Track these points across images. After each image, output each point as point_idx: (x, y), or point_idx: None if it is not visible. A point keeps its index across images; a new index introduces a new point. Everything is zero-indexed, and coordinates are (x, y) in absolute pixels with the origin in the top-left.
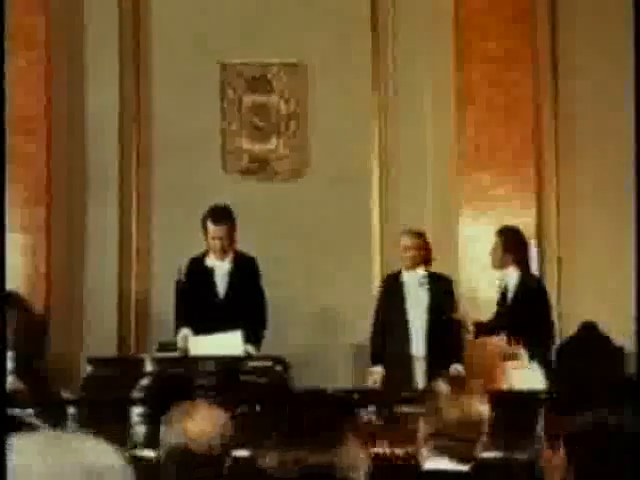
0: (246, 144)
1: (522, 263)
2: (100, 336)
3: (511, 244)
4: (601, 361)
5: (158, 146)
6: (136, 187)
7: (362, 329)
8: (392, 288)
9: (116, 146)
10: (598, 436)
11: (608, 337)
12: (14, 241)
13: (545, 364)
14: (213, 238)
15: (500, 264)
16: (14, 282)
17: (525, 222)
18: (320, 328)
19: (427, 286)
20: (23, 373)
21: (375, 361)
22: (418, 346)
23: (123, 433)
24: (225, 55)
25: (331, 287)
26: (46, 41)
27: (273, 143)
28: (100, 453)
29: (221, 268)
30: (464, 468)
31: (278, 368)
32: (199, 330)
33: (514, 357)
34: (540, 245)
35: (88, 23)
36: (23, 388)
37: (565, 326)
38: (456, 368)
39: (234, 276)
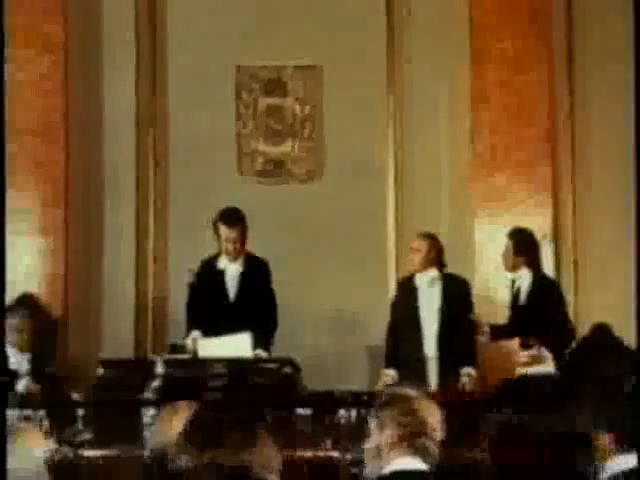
0: (261, 146)
1: (534, 265)
2: (117, 338)
3: (522, 246)
4: (612, 363)
5: (174, 149)
6: (153, 189)
7: (377, 330)
8: (405, 290)
9: (133, 149)
10: (513, 436)
11: (619, 339)
12: (33, 243)
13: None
14: (226, 240)
15: (512, 267)
16: (32, 284)
17: (541, 223)
18: (335, 330)
19: (439, 287)
20: (38, 375)
21: (389, 363)
22: (430, 347)
23: (134, 434)
24: (240, 58)
25: (346, 288)
26: (64, 47)
27: (288, 145)
28: (20, 458)
29: (232, 270)
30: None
31: (288, 370)
32: (210, 332)
33: (539, 360)
34: (556, 246)
35: (105, 28)
36: (36, 389)
37: (581, 328)
38: (467, 371)
39: (245, 278)
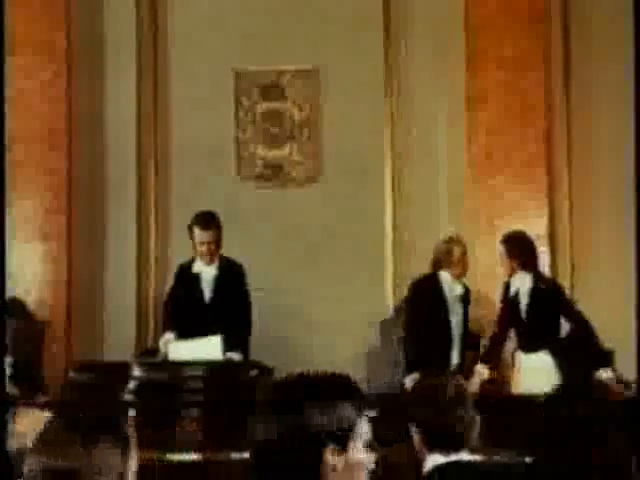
0: (260, 150)
1: (530, 266)
2: (120, 341)
3: (515, 250)
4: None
5: (175, 154)
6: (154, 194)
7: (373, 335)
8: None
9: (134, 155)
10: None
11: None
12: (36, 249)
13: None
14: (201, 243)
15: (509, 272)
16: (36, 289)
17: (538, 226)
18: (332, 334)
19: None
20: (20, 379)
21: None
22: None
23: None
24: (239, 63)
25: (344, 292)
26: (68, 55)
27: (287, 149)
28: None
29: (207, 274)
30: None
31: (253, 373)
32: (186, 335)
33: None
34: (552, 249)
35: (107, 36)
36: (17, 394)
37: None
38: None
39: (219, 281)
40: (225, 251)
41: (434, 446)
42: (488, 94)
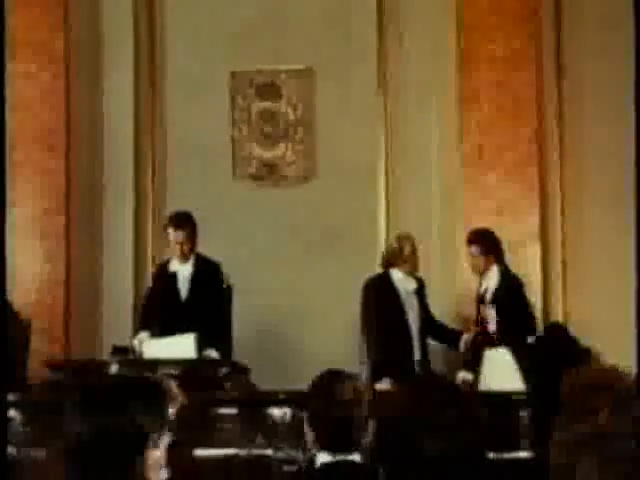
0: (256, 150)
1: (501, 262)
2: (117, 340)
3: (490, 246)
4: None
5: (171, 154)
6: (151, 193)
7: None
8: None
9: (131, 156)
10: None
11: (575, 338)
12: (35, 248)
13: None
14: (175, 242)
15: (483, 269)
16: (35, 288)
17: (530, 225)
18: (328, 331)
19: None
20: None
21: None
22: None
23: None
24: (235, 63)
25: (338, 291)
26: (66, 59)
27: (281, 149)
28: None
29: (183, 272)
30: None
31: (224, 370)
32: (163, 333)
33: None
34: (544, 246)
35: (106, 38)
36: None
37: (571, 328)
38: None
39: (195, 280)
40: (220, 250)
41: (326, 444)
42: (480, 93)
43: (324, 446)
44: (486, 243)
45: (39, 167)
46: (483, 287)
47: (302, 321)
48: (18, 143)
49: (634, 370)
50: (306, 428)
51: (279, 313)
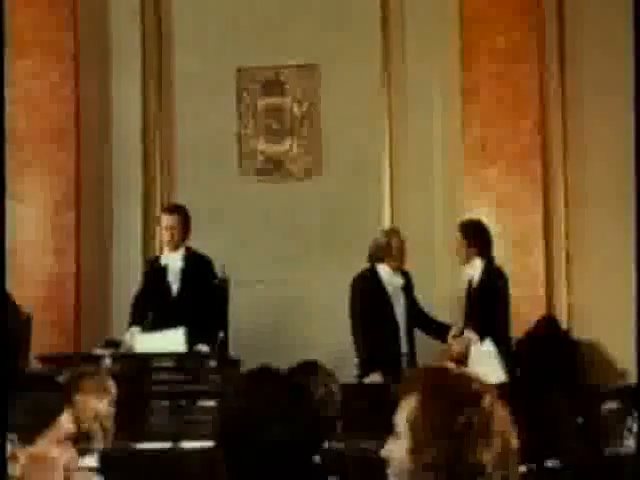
0: (261, 145)
1: (485, 254)
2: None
3: (476, 238)
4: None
5: (179, 150)
6: (159, 190)
7: None
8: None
9: (140, 151)
10: None
11: (566, 331)
12: (45, 243)
13: (505, 354)
14: (165, 228)
15: (466, 259)
16: (45, 282)
17: (533, 218)
18: (331, 325)
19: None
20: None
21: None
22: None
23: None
24: (240, 60)
25: (342, 285)
26: (75, 57)
27: (287, 144)
28: None
29: (174, 266)
30: None
31: (212, 364)
32: (155, 327)
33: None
34: (547, 241)
35: (114, 37)
36: None
37: (573, 321)
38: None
39: (186, 274)
40: (225, 243)
41: None
42: (481, 86)
43: None
44: (470, 233)
45: (49, 164)
46: (468, 277)
47: (305, 313)
48: (28, 140)
49: (634, 362)
50: None
51: (283, 305)
